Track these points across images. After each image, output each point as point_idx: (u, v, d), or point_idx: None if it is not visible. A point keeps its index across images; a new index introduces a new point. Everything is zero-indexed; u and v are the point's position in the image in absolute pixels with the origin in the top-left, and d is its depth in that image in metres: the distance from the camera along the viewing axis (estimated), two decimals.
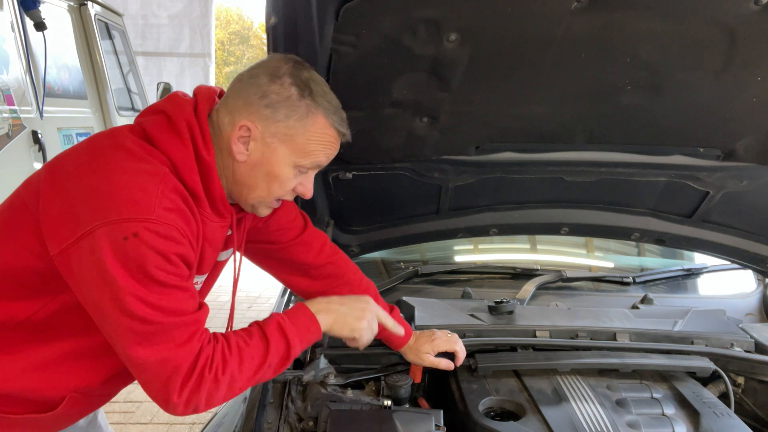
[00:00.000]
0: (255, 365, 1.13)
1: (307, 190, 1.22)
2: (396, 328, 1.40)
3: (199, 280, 1.25)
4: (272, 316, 1.20)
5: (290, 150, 1.13)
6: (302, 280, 1.50)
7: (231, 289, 1.34)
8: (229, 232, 1.25)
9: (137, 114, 1.18)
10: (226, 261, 1.33)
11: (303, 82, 1.11)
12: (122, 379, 1.25)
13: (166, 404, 1.06)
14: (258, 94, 1.10)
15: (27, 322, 1.09)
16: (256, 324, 1.18)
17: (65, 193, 1.01)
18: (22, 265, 1.05)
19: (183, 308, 1.04)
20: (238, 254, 1.34)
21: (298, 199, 1.58)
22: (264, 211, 1.23)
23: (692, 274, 2.27)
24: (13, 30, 3.62)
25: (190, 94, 1.18)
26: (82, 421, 1.37)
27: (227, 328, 1.34)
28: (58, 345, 1.12)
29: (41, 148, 3.59)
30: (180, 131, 1.09)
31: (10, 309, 1.08)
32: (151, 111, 1.14)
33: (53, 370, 1.13)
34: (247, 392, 1.43)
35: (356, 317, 1.28)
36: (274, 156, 1.13)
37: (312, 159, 1.15)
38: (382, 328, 1.37)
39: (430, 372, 1.59)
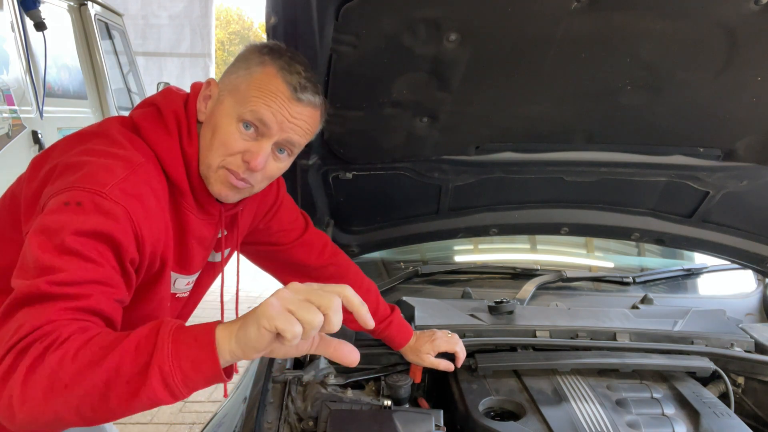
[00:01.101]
0: (96, 356, 0.76)
1: (253, 158, 1.05)
2: (362, 310, 0.82)
3: (189, 280, 1.25)
4: (167, 318, 0.84)
5: (234, 100, 1.06)
6: (303, 281, 1.50)
7: (232, 290, 1.33)
8: (225, 233, 1.24)
9: None
10: (221, 263, 1.32)
11: (274, 47, 1.10)
12: None
13: None
14: (234, 61, 1.11)
15: None
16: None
17: (39, 177, 1.00)
18: (11, 257, 1.03)
19: (73, 279, 0.84)
20: (235, 258, 1.34)
21: (298, 199, 1.59)
22: (216, 186, 1.09)
23: (692, 274, 2.27)
24: (13, 30, 3.62)
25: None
26: None
27: None
28: None
29: (41, 148, 3.59)
30: (167, 122, 1.08)
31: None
32: (143, 104, 1.15)
33: None
34: (247, 392, 1.43)
35: (259, 313, 0.78)
36: (221, 108, 1.08)
37: (251, 107, 1.04)
38: (349, 318, 0.84)
39: (430, 372, 1.59)
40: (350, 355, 0.85)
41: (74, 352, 0.77)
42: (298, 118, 1.08)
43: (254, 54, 1.09)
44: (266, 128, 1.06)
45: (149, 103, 1.13)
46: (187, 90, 1.18)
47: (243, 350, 0.78)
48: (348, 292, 0.81)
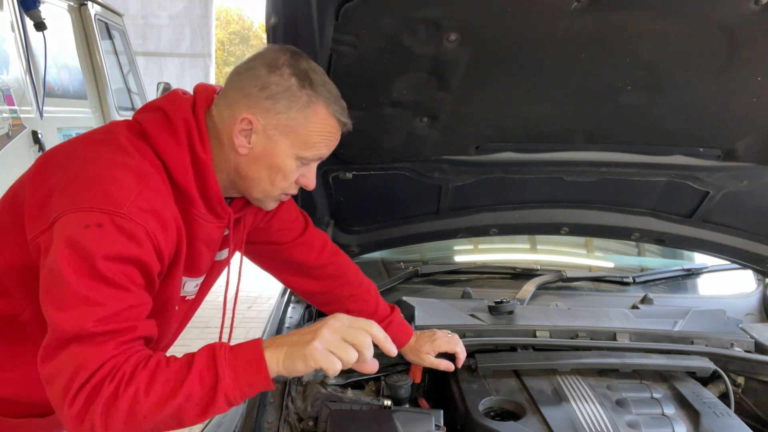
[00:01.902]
0: (167, 390, 0.91)
1: (310, 182, 1.20)
2: (386, 343, 1.01)
3: (197, 282, 1.25)
4: (215, 344, 0.98)
5: (292, 142, 1.11)
6: (303, 281, 1.50)
7: (232, 289, 1.33)
8: (226, 232, 1.25)
9: None
10: (224, 261, 1.32)
11: (302, 72, 1.10)
12: None
13: (60, 413, 0.91)
14: (257, 86, 1.09)
15: (16, 321, 1.08)
16: (191, 353, 0.98)
17: (48, 182, 1.00)
18: (11, 262, 1.05)
19: (114, 312, 0.92)
20: (238, 256, 1.34)
21: (298, 199, 1.59)
22: (271, 205, 1.22)
23: (692, 274, 2.27)
24: (13, 30, 3.62)
25: (191, 93, 1.17)
26: None
27: (221, 330, 1.33)
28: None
29: (41, 148, 3.59)
30: (176, 129, 1.08)
31: (7, 305, 1.07)
32: (149, 108, 1.14)
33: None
34: None
35: (305, 343, 0.95)
36: (277, 148, 1.11)
37: (314, 151, 1.14)
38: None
39: (430, 372, 1.59)
40: (372, 366, 1.02)
41: (145, 387, 0.91)
42: (339, 139, 1.19)
43: (292, 89, 1.09)
44: (322, 159, 1.19)
45: (156, 108, 1.12)
46: (189, 91, 1.18)
47: (288, 374, 0.97)
48: (374, 330, 0.99)
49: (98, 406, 0.89)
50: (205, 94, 1.15)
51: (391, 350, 1.01)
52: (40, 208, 0.98)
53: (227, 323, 1.35)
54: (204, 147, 1.10)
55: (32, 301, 1.06)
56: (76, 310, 0.90)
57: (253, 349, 0.96)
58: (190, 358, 0.95)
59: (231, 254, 1.32)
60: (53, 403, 0.92)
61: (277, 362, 0.96)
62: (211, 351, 0.95)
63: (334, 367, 0.94)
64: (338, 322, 0.98)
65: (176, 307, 1.21)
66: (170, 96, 1.15)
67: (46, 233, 0.95)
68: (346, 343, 0.96)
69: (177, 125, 1.08)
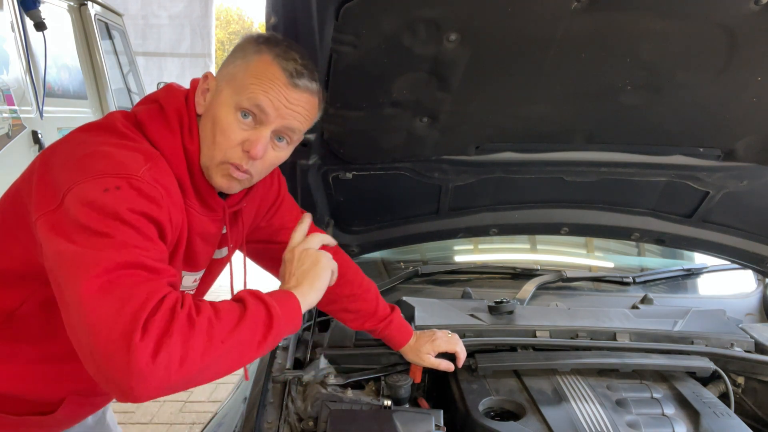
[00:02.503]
0: (234, 317, 0.92)
1: (253, 145, 1.06)
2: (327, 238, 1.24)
3: (195, 277, 1.25)
4: (244, 291, 1.02)
5: (232, 89, 1.07)
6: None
7: (235, 288, 1.33)
8: (224, 230, 1.25)
9: None
10: (225, 260, 1.32)
11: (270, 37, 1.11)
12: None
13: (126, 352, 0.78)
14: (230, 53, 1.12)
15: (15, 316, 1.08)
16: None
17: (51, 168, 0.99)
18: (13, 253, 1.04)
19: (154, 257, 0.90)
20: (241, 256, 1.34)
21: (298, 199, 1.59)
22: (218, 179, 1.10)
23: (692, 274, 2.27)
24: (13, 30, 3.62)
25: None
26: (90, 419, 1.37)
27: None
28: (52, 342, 1.10)
29: (41, 148, 3.59)
30: (170, 120, 1.08)
31: (7, 299, 1.07)
32: (145, 100, 1.15)
33: (49, 370, 1.12)
34: (247, 392, 1.43)
35: (322, 282, 1.13)
36: (218, 98, 1.08)
37: (248, 94, 1.04)
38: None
39: (430, 372, 1.59)
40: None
41: (215, 315, 0.89)
42: (296, 104, 1.08)
43: (250, 43, 1.10)
44: (264, 115, 1.06)
45: (152, 100, 1.13)
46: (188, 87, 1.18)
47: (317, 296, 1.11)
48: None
49: (176, 332, 0.82)
50: (197, 85, 1.15)
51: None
52: (46, 189, 0.95)
53: None
54: (192, 137, 1.09)
55: (31, 295, 1.06)
56: (122, 248, 0.86)
57: (283, 292, 1.06)
58: (232, 300, 0.97)
59: (231, 252, 1.31)
60: (111, 345, 0.79)
61: (303, 302, 1.07)
62: (248, 292, 0.99)
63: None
64: (327, 261, 1.15)
65: None
66: (166, 89, 1.16)
67: (57, 210, 0.90)
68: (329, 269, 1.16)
69: (170, 115, 1.09)
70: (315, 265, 1.13)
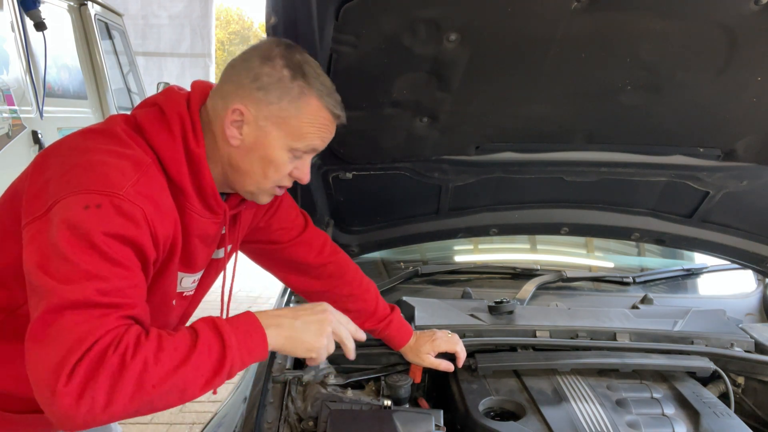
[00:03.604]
0: (177, 358, 0.90)
1: (304, 175, 1.18)
2: (358, 333, 1.17)
3: (194, 278, 1.25)
4: (205, 317, 1.01)
5: (284, 133, 1.11)
6: (303, 280, 1.50)
7: (225, 288, 1.33)
8: (223, 231, 1.25)
9: None
10: (223, 261, 1.32)
11: (295, 64, 1.10)
12: None
13: (51, 394, 0.82)
14: (250, 77, 1.09)
15: (15, 314, 1.08)
16: (185, 326, 1.00)
17: (46, 173, 1.00)
18: (11, 253, 1.04)
19: (116, 287, 0.90)
20: (233, 255, 1.34)
21: (297, 199, 1.59)
22: (264, 198, 1.20)
23: (692, 274, 2.27)
24: (13, 30, 3.62)
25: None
26: None
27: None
28: None
29: (41, 148, 3.59)
30: (170, 123, 1.08)
31: (7, 297, 1.08)
32: (146, 103, 1.15)
33: None
34: (247, 392, 1.42)
35: (314, 333, 1.07)
36: (268, 139, 1.11)
37: (306, 142, 1.13)
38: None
39: (430, 372, 1.59)
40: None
41: (153, 355, 0.88)
42: (334, 131, 1.19)
43: (284, 81, 1.09)
44: (315, 151, 1.18)
45: (152, 103, 1.13)
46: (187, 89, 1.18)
47: (283, 353, 1.14)
48: (351, 327, 1.17)
49: (102, 378, 0.84)
50: (200, 90, 1.15)
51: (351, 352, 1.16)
52: (36, 195, 0.97)
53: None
54: (197, 141, 1.10)
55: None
56: (77, 283, 0.87)
57: (251, 323, 1.01)
58: (191, 329, 0.96)
59: (230, 253, 1.32)
60: (40, 384, 0.84)
61: (279, 343, 1.04)
62: (212, 322, 0.98)
63: (323, 358, 1.11)
64: (335, 319, 1.12)
65: (174, 302, 1.21)
66: (166, 92, 1.15)
67: (42, 218, 0.93)
68: (330, 342, 1.11)
69: (171, 119, 1.09)
70: (317, 327, 1.08)
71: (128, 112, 1.17)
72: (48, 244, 0.90)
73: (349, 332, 1.14)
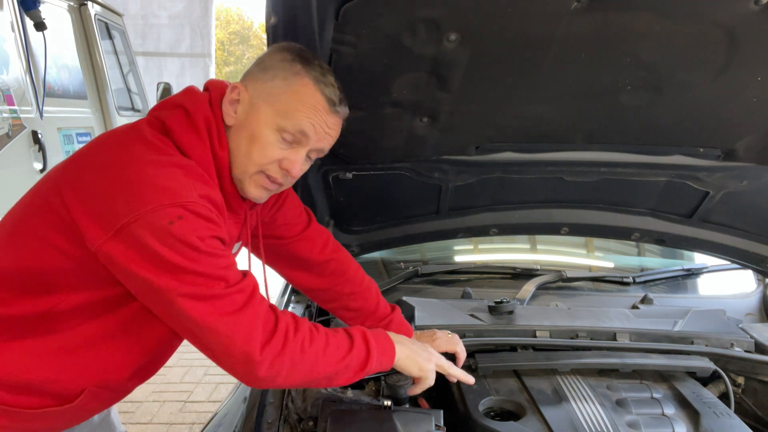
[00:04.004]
0: (339, 354, 1.12)
1: (293, 165, 1.14)
2: (463, 376, 1.36)
3: None
4: (356, 327, 1.22)
5: (273, 110, 1.10)
6: (305, 277, 1.51)
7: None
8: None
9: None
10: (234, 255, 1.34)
11: (302, 54, 1.13)
12: (142, 374, 1.26)
13: (249, 362, 1.01)
14: (258, 64, 1.14)
15: (49, 313, 1.09)
16: (341, 328, 1.20)
17: (94, 189, 1.00)
18: (45, 262, 1.05)
19: (233, 274, 1.04)
20: (247, 251, 1.36)
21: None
22: (251, 188, 1.17)
23: (692, 274, 2.27)
24: (13, 30, 3.62)
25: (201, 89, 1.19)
26: (95, 417, 1.37)
27: None
28: (82, 332, 1.11)
29: (41, 148, 3.59)
30: (198, 127, 1.10)
31: (32, 304, 1.08)
32: (169, 105, 1.15)
33: (76, 358, 1.13)
34: (247, 392, 1.43)
35: (426, 359, 1.27)
36: (257, 116, 1.11)
37: (293, 121, 1.10)
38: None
39: None
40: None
41: (323, 347, 1.10)
42: (332, 129, 1.17)
43: (285, 62, 1.12)
44: (305, 138, 1.13)
45: (176, 105, 1.13)
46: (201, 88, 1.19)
47: (400, 368, 1.26)
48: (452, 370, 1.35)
49: (287, 356, 1.04)
50: (218, 90, 1.17)
51: (467, 379, 1.37)
52: (97, 217, 0.99)
53: None
54: (221, 144, 1.12)
55: (62, 300, 1.07)
56: (211, 285, 1.00)
57: (387, 340, 1.22)
58: (348, 334, 1.17)
59: (237, 250, 1.33)
60: (232, 358, 1.02)
61: (402, 358, 1.23)
62: (362, 333, 1.18)
63: (425, 387, 1.30)
64: (437, 358, 1.32)
65: None
66: (188, 93, 1.16)
67: (114, 239, 0.97)
68: (434, 372, 1.30)
69: (198, 122, 1.10)
70: (426, 354, 1.29)
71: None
72: (159, 266, 0.96)
73: (451, 363, 1.35)
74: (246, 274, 1.09)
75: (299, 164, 1.15)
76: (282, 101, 1.10)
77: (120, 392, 1.28)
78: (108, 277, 1.04)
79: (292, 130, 1.11)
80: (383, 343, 1.20)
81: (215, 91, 1.16)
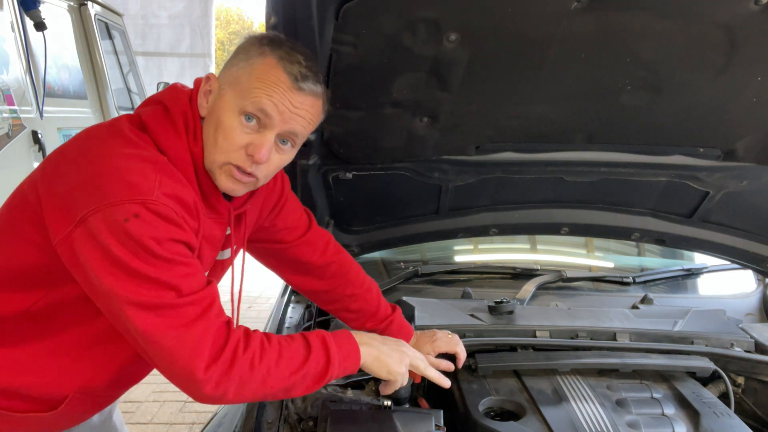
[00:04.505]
0: (293, 366, 1.06)
1: (257, 150, 1.06)
2: (439, 378, 1.31)
3: None
4: (316, 330, 1.16)
5: (236, 93, 1.06)
6: (307, 280, 1.50)
7: (234, 289, 1.33)
8: (228, 231, 1.25)
9: None
10: (228, 261, 1.32)
11: (273, 39, 1.10)
12: (126, 381, 1.25)
13: (193, 380, 0.97)
14: (233, 53, 1.11)
15: (27, 313, 1.08)
16: (299, 333, 1.15)
17: (64, 180, 0.99)
18: (24, 259, 1.04)
19: (190, 284, 0.99)
20: (241, 255, 1.34)
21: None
22: (222, 179, 1.10)
23: (692, 274, 2.27)
24: (13, 30, 3.62)
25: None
26: (95, 418, 1.37)
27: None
28: (61, 337, 1.11)
29: (41, 148, 3.59)
30: (175, 122, 1.08)
31: (9, 300, 1.07)
32: (150, 101, 1.14)
33: (57, 365, 1.12)
34: None
35: (397, 360, 1.21)
36: (222, 101, 1.07)
37: (253, 99, 1.04)
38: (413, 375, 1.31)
39: None
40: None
41: (275, 362, 1.05)
42: (300, 108, 1.08)
43: (254, 45, 1.09)
44: (268, 119, 1.06)
45: (156, 101, 1.12)
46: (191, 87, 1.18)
47: (369, 371, 1.21)
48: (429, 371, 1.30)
49: (235, 375, 0.99)
50: (200, 86, 1.15)
51: (443, 382, 1.32)
52: (62, 207, 0.97)
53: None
54: (196, 139, 1.09)
55: (42, 297, 1.06)
56: (161, 292, 0.95)
57: (351, 343, 1.16)
58: (305, 341, 1.11)
59: (234, 254, 1.31)
60: (175, 374, 0.98)
61: (369, 361, 1.18)
62: (321, 338, 1.13)
63: (397, 387, 1.27)
64: (413, 356, 1.26)
65: None
66: (169, 89, 1.15)
67: (75, 231, 0.94)
68: (407, 373, 1.25)
69: (176, 117, 1.08)
70: (398, 355, 1.23)
71: (128, 112, 1.17)
72: (110, 264, 0.93)
73: (427, 363, 1.29)
74: (208, 283, 1.03)
75: (264, 148, 1.06)
76: (243, 82, 1.05)
77: (107, 397, 1.27)
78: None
79: (252, 109, 1.05)
80: (347, 348, 1.15)
81: (197, 86, 1.14)
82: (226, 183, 1.10)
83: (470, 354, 1.55)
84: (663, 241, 2.09)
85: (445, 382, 1.32)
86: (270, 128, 1.07)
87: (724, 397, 1.57)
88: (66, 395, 1.16)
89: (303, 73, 1.06)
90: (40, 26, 3.78)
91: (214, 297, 1.03)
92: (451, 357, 1.52)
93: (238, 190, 1.13)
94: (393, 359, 1.21)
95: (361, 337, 1.20)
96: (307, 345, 1.10)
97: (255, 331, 1.08)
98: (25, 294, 1.07)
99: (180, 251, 0.99)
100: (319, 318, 1.82)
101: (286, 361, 1.06)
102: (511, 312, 1.74)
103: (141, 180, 0.96)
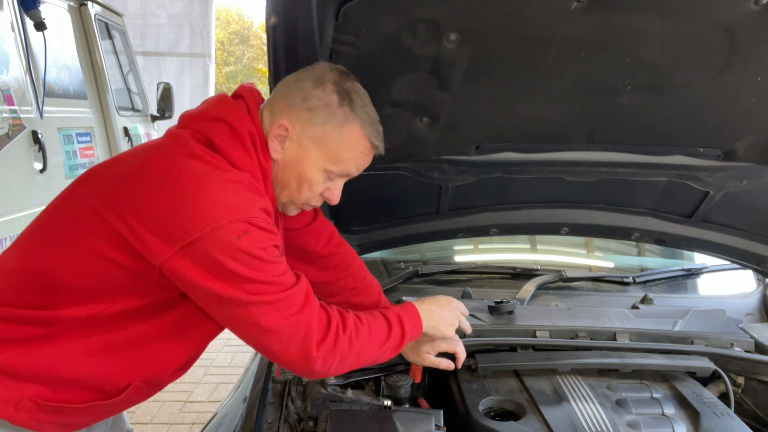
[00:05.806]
0: (380, 341, 1.23)
1: (334, 196, 1.26)
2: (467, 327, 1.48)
3: None
4: (390, 307, 1.35)
5: (322, 155, 1.18)
6: (309, 270, 1.51)
7: None
8: None
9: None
10: None
11: (345, 91, 1.16)
12: (185, 367, 1.30)
13: (307, 359, 1.11)
14: (300, 97, 1.16)
15: (97, 316, 1.13)
16: (377, 310, 1.32)
17: (160, 208, 1.05)
18: (99, 274, 1.09)
19: (290, 278, 1.13)
20: None
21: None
22: (292, 211, 1.29)
23: (692, 274, 2.27)
24: (13, 30, 3.62)
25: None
26: None
27: None
28: (131, 330, 1.16)
29: (41, 148, 3.58)
30: (244, 141, 1.14)
31: (81, 309, 1.12)
32: (208, 117, 1.17)
33: (124, 356, 1.17)
34: (247, 392, 1.43)
35: (450, 325, 1.40)
36: (307, 158, 1.18)
37: (342, 167, 1.20)
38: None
39: (430, 372, 1.59)
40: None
41: (367, 339, 1.21)
42: (370, 161, 1.25)
43: (332, 105, 1.15)
44: (348, 176, 1.26)
45: (216, 119, 1.15)
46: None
47: (428, 333, 1.38)
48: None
49: (338, 351, 1.15)
50: (253, 98, 1.20)
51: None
52: (165, 233, 1.04)
53: None
54: (266, 157, 1.17)
55: (109, 306, 1.12)
56: (276, 289, 1.09)
57: (416, 316, 1.34)
58: (385, 318, 1.28)
59: None
60: (290, 356, 1.12)
61: (427, 330, 1.36)
62: (397, 315, 1.29)
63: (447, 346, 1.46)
64: (459, 306, 1.44)
65: None
66: (226, 104, 1.18)
67: (176, 256, 1.04)
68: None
69: (243, 136, 1.14)
70: (451, 319, 1.41)
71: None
72: (228, 278, 1.05)
73: (465, 320, 1.47)
74: (299, 276, 1.16)
75: (339, 192, 1.27)
76: (332, 149, 1.18)
77: (161, 386, 1.31)
78: (160, 285, 1.10)
79: (338, 172, 1.22)
80: (414, 322, 1.32)
81: (251, 99, 1.20)
82: (294, 212, 1.31)
83: (470, 354, 1.55)
84: (663, 241, 2.09)
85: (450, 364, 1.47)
86: (345, 179, 1.26)
87: (724, 397, 1.57)
88: (129, 384, 1.20)
89: (381, 135, 1.23)
90: (40, 26, 3.77)
91: (308, 284, 1.17)
92: (451, 356, 1.53)
93: (296, 213, 1.32)
94: (446, 324, 1.39)
95: (421, 307, 1.36)
96: (387, 322, 1.27)
97: (344, 311, 1.23)
98: (96, 303, 1.12)
99: (277, 252, 1.12)
100: None
101: (374, 337, 1.22)
102: (511, 312, 1.75)
103: (239, 201, 1.07)
